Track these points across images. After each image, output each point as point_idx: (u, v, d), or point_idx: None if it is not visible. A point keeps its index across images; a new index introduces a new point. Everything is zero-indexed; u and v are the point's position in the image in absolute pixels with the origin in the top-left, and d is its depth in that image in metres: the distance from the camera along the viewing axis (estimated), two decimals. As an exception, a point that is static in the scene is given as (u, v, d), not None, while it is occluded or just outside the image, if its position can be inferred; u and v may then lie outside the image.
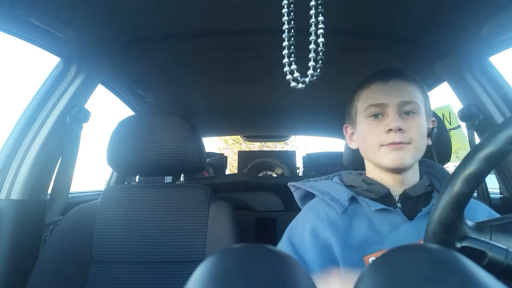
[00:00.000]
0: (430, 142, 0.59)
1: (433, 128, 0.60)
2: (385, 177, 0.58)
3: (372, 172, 0.61)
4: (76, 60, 0.89)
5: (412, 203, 0.56)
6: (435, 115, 0.78)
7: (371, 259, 0.52)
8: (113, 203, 0.81)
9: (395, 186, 0.57)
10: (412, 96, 0.55)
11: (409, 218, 0.54)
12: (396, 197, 0.57)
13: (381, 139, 0.54)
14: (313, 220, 0.56)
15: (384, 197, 0.57)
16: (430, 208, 0.54)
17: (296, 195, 0.66)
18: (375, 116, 0.56)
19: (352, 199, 0.57)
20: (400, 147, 0.52)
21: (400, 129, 0.52)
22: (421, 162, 0.61)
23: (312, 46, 0.39)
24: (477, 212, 0.56)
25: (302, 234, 0.55)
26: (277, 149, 8.42)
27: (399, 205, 0.56)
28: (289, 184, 0.67)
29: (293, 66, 0.39)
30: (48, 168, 0.88)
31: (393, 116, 0.53)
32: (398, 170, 0.55)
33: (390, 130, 0.52)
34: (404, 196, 0.57)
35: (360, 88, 0.60)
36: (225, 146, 10.53)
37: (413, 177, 0.58)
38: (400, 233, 0.52)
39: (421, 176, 0.60)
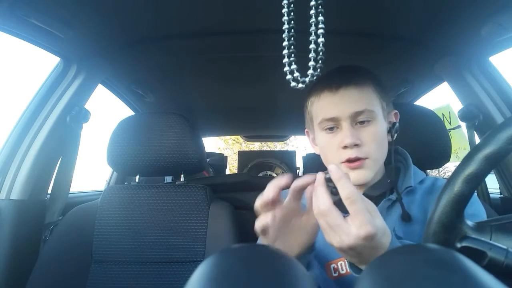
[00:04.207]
0: (390, 139, 0.56)
1: (394, 123, 0.57)
2: None
3: None
4: (76, 60, 0.89)
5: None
6: (435, 115, 0.78)
7: (332, 266, 0.52)
8: (113, 203, 0.81)
9: (357, 187, 0.56)
10: (364, 104, 0.52)
11: None
12: None
13: (338, 154, 0.53)
14: None
15: None
16: (382, 207, 0.53)
17: None
18: (330, 129, 0.54)
19: None
20: (359, 165, 0.51)
21: (356, 145, 0.51)
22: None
23: (312, 46, 0.39)
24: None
25: None
26: (277, 149, 8.43)
27: None
28: None
29: (293, 66, 0.39)
30: (48, 168, 0.88)
31: (347, 130, 0.51)
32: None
33: (346, 146, 0.51)
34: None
35: (312, 94, 0.58)
36: (225, 146, 10.54)
37: (375, 176, 0.56)
38: None
39: (387, 168, 0.58)
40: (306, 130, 0.65)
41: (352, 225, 0.34)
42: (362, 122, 0.52)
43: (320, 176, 0.38)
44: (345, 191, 0.35)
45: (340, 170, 0.36)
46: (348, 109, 0.52)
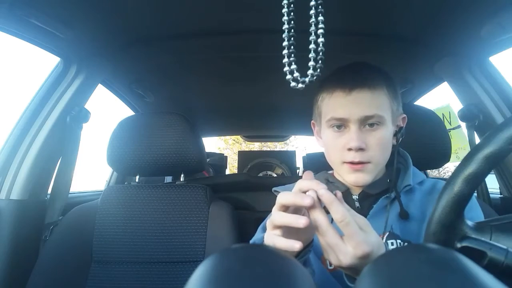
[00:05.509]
0: (394, 142, 0.57)
1: (400, 128, 0.57)
2: None
3: (335, 171, 0.61)
4: (76, 60, 0.89)
5: (371, 202, 0.56)
6: (435, 115, 0.78)
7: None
8: (113, 203, 0.81)
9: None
10: (375, 109, 0.52)
11: None
12: (355, 196, 0.57)
13: (342, 155, 0.53)
14: None
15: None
16: (380, 204, 0.54)
17: None
18: (338, 127, 0.54)
19: None
20: (360, 168, 0.52)
21: (361, 148, 0.51)
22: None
23: (312, 46, 0.39)
24: None
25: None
26: (277, 149, 8.42)
27: (357, 204, 0.57)
28: (273, 189, 0.68)
29: (293, 66, 0.39)
30: (48, 168, 0.88)
31: (354, 133, 0.51)
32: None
33: (351, 149, 0.51)
34: (363, 195, 0.57)
35: (323, 90, 0.57)
36: (225, 146, 10.54)
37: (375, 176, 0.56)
38: None
39: (388, 168, 0.58)
40: (312, 121, 0.65)
41: (349, 245, 0.35)
42: (371, 125, 0.52)
43: (313, 194, 0.37)
44: (338, 214, 0.35)
45: (330, 194, 0.37)
46: (358, 112, 0.51)
